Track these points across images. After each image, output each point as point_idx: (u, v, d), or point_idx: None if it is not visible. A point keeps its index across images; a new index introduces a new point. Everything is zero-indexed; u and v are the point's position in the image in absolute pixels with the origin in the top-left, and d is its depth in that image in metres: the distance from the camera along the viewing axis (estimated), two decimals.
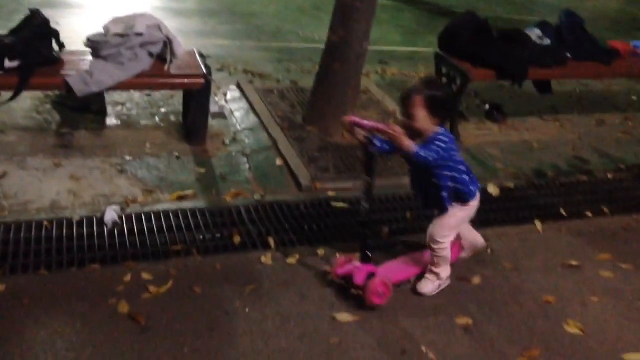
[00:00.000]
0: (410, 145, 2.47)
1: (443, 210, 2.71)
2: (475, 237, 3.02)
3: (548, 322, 2.71)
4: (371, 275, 2.66)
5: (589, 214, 3.65)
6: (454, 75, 4.40)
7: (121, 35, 3.54)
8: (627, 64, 4.94)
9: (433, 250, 2.75)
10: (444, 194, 2.66)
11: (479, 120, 4.81)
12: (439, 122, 2.60)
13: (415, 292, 2.80)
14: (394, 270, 2.83)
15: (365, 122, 2.62)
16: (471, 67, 4.27)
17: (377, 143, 2.63)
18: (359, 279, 2.65)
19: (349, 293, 2.70)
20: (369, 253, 2.71)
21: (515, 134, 4.67)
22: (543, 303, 2.82)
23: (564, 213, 3.61)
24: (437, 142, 2.53)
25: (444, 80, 4.55)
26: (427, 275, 2.82)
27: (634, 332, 2.70)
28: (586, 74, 4.89)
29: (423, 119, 2.55)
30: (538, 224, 3.46)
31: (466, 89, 4.36)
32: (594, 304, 2.85)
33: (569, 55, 4.61)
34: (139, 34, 3.53)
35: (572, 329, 2.67)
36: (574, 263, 3.13)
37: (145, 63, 3.59)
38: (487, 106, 4.94)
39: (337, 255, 2.96)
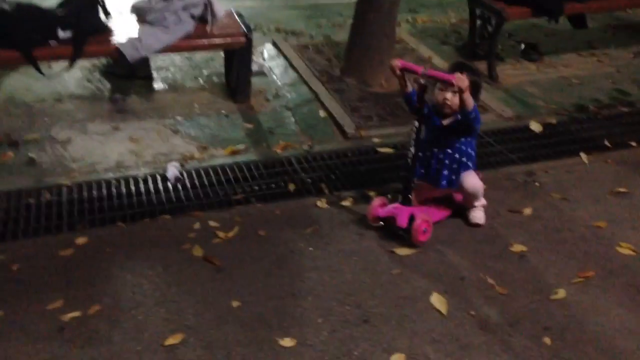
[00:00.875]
0: (470, 100, 2.59)
1: (453, 182, 2.87)
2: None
3: (600, 245, 2.80)
4: (412, 217, 2.75)
5: (633, 143, 3.69)
6: (489, 15, 4.40)
7: (164, 0, 3.64)
8: None
9: (468, 194, 2.88)
10: (445, 172, 2.84)
11: (516, 61, 4.81)
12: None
13: (471, 224, 2.91)
14: (429, 211, 2.91)
15: (419, 67, 2.66)
16: (506, 6, 4.27)
17: (412, 94, 2.74)
18: (402, 221, 2.74)
19: (395, 232, 2.80)
20: (410, 196, 2.79)
21: (552, 71, 4.67)
22: (594, 228, 2.91)
23: (608, 144, 3.66)
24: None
25: (479, 22, 4.57)
26: (475, 208, 2.92)
27: None
28: (622, 4, 4.82)
29: (467, 97, 2.62)
30: (583, 156, 3.51)
31: (501, 29, 4.37)
32: None
33: None
34: None
35: (624, 250, 2.77)
36: (622, 190, 3.20)
37: (189, 25, 3.69)
38: (522, 46, 4.93)
39: (374, 196, 3.05)
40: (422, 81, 2.62)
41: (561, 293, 2.49)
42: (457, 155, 2.83)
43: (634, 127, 3.90)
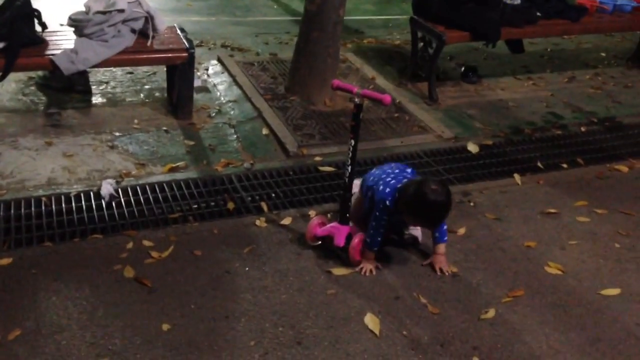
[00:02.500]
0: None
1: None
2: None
3: (530, 264, 2.88)
4: (349, 236, 2.78)
5: (564, 165, 3.83)
6: (430, 38, 4.51)
7: (103, 13, 3.58)
8: (595, 20, 5.11)
9: None
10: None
11: (455, 83, 4.94)
12: None
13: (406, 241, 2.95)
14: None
15: (351, 86, 2.69)
16: (446, 30, 4.39)
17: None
18: (340, 240, 2.76)
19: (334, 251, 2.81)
20: (348, 215, 2.81)
21: (490, 93, 4.82)
22: (525, 248, 2.99)
23: (540, 166, 3.79)
24: None
25: (420, 44, 4.68)
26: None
27: (610, 270, 2.88)
28: (556, 31, 5.03)
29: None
30: (517, 177, 3.63)
31: (441, 51, 4.48)
32: (572, 246, 3.03)
33: (538, 13, 4.75)
34: (121, 11, 3.57)
35: (552, 270, 2.85)
36: (552, 211, 3.31)
37: (128, 39, 3.64)
38: (462, 68, 5.08)
39: (314, 214, 3.06)
40: (357, 100, 2.64)
41: (491, 312, 2.55)
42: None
43: (565, 149, 4.05)
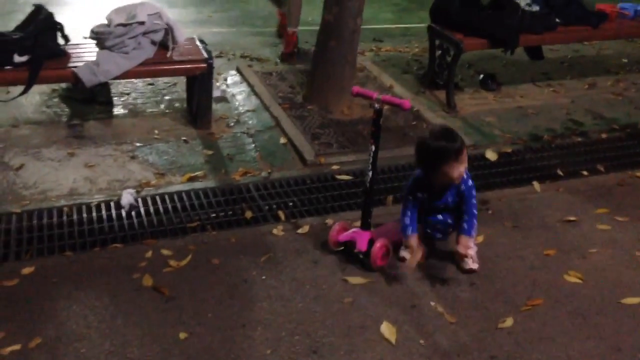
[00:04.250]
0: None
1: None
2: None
3: (549, 273, 2.85)
4: (371, 241, 2.79)
5: (585, 172, 3.78)
6: (447, 46, 4.51)
7: (124, 25, 3.65)
8: (615, 26, 5.05)
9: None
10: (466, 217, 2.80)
11: (474, 90, 4.92)
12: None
13: (466, 271, 2.82)
14: (389, 232, 2.92)
15: (370, 92, 2.73)
16: (463, 37, 4.38)
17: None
18: (362, 245, 2.77)
19: (354, 257, 2.83)
20: (369, 220, 2.83)
21: (509, 101, 4.79)
22: (544, 256, 2.96)
23: (560, 173, 3.75)
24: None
25: (438, 52, 4.67)
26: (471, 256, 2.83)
27: (631, 278, 2.84)
28: (575, 38, 4.99)
29: (459, 175, 2.69)
30: (536, 185, 3.59)
31: (459, 59, 4.47)
32: (592, 254, 2.99)
33: (558, 20, 4.72)
34: (141, 23, 3.64)
35: (572, 278, 2.81)
36: (572, 218, 3.27)
37: (148, 51, 3.70)
38: (481, 76, 5.05)
39: (331, 222, 3.05)
40: (377, 106, 2.66)
41: (509, 321, 2.52)
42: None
43: (586, 156, 4.00)
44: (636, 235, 3.15)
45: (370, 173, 2.76)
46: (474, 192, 2.81)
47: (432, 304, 2.61)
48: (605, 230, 3.19)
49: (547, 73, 5.39)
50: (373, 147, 2.73)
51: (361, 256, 2.81)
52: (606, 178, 3.74)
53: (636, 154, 4.07)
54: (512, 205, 3.39)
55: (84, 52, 3.76)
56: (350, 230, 2.87)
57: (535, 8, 4.63)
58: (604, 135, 4.30)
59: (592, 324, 2.54)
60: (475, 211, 2.79)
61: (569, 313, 2.60)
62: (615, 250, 3.03)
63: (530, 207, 3.38)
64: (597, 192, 3.57)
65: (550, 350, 2.40)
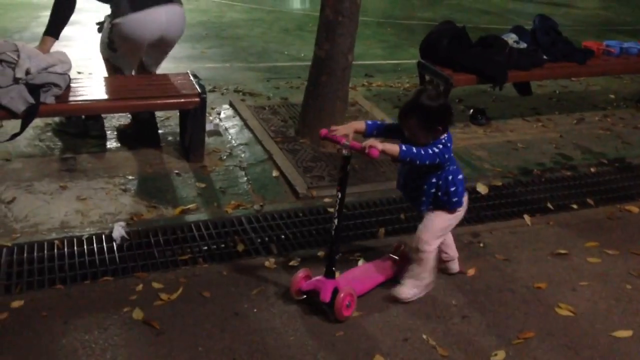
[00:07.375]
0: (391, 148, 2.49)
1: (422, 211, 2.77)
2: (453, 251, 3.03)
3: (540, 306, 2.85)
4: (336, 290, 2.65)
5: (574, 206, 3.82)
6: (437, 81, 4.59)
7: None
8: (601, 62, 5.18)
9: (416, 254, 2.77)
10: (424, 199, 2.73)
11: (464, 125, 5.00)
12: (441, 131, 2.63)
13: (392, 298, 2.79)
14: (356, 280, 2.81)
15: (339, 137, 2.60)
16: (453, 73, 4.47)
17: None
18: (325, 296, 2.63)
19: (317, 307, 2.69)
20: (334, 269, 2.70)
21: (499, 135, 4.86)
22: (535, 289, 2.97)
23: (550, 207, 3.78)
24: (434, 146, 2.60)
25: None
26: (406, 281, 2.81)
27: (622, 311, 2.85)
28: (563, 73, 5.11)
29: (424, 136, 2.61)
30: (527, 218, 3.62)
31: (449, 94, 4.55)
32: (583, 287, 3.01)
33: (545, 57, 4.83)
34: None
35: (563, 311, 2.82)
36: (562, 252, 3.29)
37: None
38: (471, 111, 5.14)
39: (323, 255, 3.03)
40: (345, 152, 2.59)
41: (501, 355, 2.52)
42: (432, 190, 2.71)
43: (575, 190, 4.05)
44: (626, 269, 3.17)
45: (335, 221, 2.63)
46: (437, 148, 2.60)
47: (424, 337, 2.60)
48: (596, 263, 3.22)
49: (536, 108, 5.49)
50: (339, 194, 2.61)
51: (325, 307, 2.67)
52: (596, 211, 3.78)
53: (625, 187, 4.13)
54: (503, 238, 3.41)
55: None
56: (314, 279, 2.73)
57: (523, 45, 4.75)
58: (593, 169, 4.37)
59: (584, 356, 2.54)
60: (424, 151, 2.56)
61: (560, 346, 2.60)
62: (605, 284, 3.04)
63: (521, 240, 3.40)
64: (587, 226, 3.60)
65: None
